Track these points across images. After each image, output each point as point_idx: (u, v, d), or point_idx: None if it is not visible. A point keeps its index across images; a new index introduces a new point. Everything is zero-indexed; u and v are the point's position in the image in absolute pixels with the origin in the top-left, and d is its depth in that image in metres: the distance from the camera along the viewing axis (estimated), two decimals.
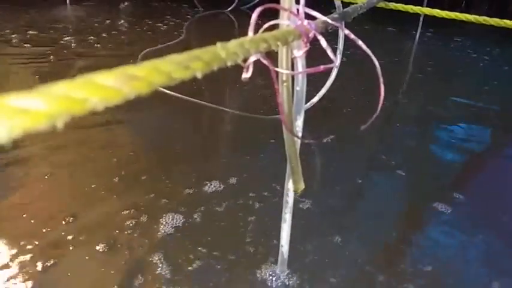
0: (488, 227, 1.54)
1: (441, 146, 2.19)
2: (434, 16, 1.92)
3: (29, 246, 1.26)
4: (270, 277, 1.22)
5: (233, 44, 0.54)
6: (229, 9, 5.10)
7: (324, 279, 1.23)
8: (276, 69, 0.80)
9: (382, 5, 1.90)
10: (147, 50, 3.16)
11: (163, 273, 1.20)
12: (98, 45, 3.41)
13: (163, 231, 1.37)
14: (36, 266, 1.19)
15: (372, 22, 4.61)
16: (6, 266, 1.18)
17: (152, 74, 0.40)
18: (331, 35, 1.10)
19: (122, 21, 4.22)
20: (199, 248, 1.31)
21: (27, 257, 1.22)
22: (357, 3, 1.26)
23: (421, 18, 4.37)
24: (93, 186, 1.58)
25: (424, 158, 2.10)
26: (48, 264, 1.20)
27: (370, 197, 1.70)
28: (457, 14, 1.84)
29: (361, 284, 1.25)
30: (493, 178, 1.98)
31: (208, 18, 4.83)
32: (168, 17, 4.54)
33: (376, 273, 1.28)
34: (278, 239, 1.18)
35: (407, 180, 1.85)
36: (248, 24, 0.70)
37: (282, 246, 1.18)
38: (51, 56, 3.05)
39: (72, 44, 3.41)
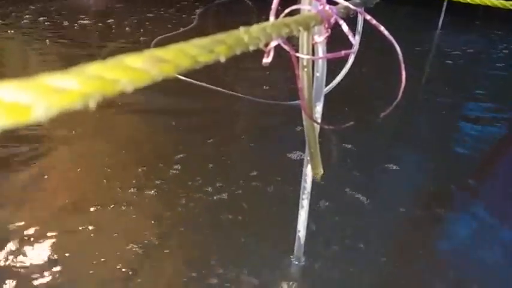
0: None
1: (461, 132, 2.16)
2: (458, 1, 1.86)
3: None
4: (287, 262, 1.24)
5: (255, 28, 0.54)
6: None
7: (340, 267, 1.24)
8: (297, 54, 0.80)
9: None
10: (159, 37, 3.18)
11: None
12: (112, 32, 3.47)
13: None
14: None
15: (392, 8, 4.50)
16: None
17: (179, 57, 0.41)
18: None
19: (138, 8, 4.25)
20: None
21: None
22: None
23: (445, 4, 4.24)
24: None
25: (444, 143, 2.08)
26: None
27: (389, 184, 1.69)
28: None
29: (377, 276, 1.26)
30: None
31: (226, 5, 4.80)
32: (185, 3, 4.54)
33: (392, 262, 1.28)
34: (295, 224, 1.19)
35: (427, 166, 1.84)
36: (267, 11, 0.69)
37: (298, 231, 1.19)
38: (67, 40, 3.12)
39: (88, 30, 3.48)
